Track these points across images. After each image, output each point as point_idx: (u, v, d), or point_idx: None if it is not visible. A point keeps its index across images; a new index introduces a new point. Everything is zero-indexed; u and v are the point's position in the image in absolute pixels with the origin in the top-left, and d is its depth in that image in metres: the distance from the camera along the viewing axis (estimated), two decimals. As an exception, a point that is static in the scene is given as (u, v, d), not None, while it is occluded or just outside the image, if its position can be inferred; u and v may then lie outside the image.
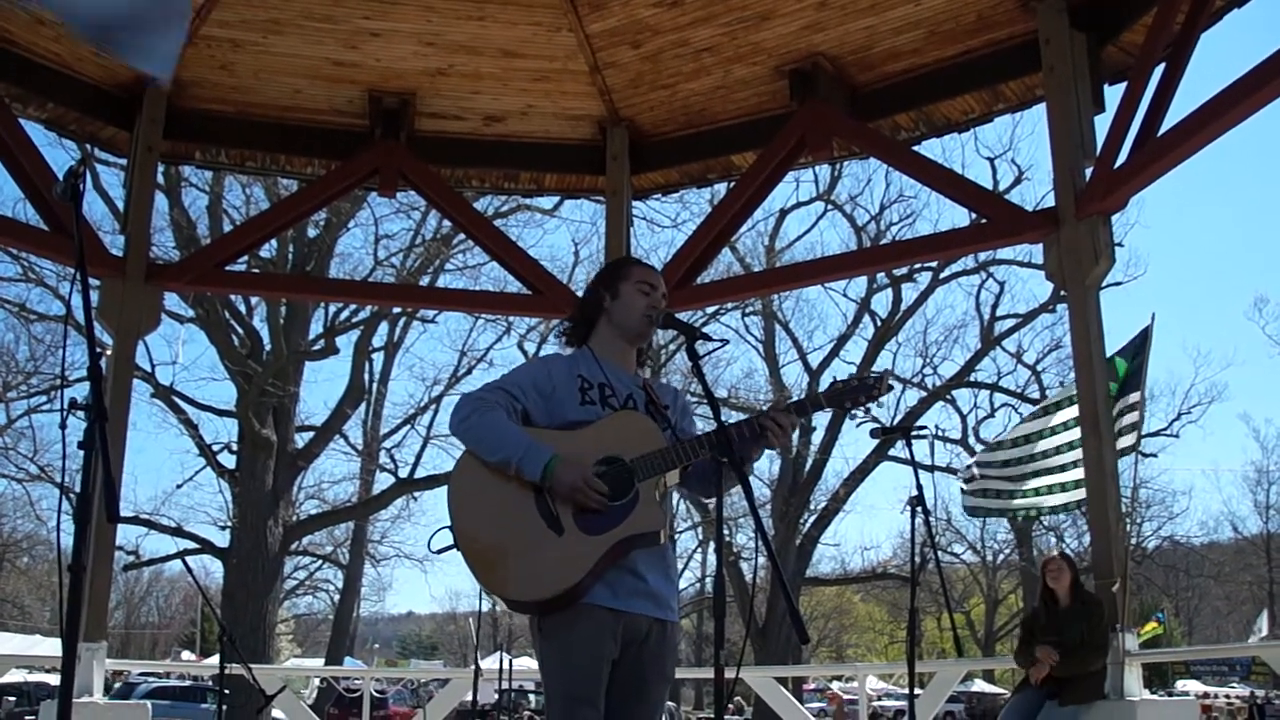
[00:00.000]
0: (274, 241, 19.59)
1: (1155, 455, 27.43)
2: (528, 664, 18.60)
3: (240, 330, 20.96)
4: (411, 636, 59.00)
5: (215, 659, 6.52)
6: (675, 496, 3.24)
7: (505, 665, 7.48)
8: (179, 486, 22.76)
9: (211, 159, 7.83)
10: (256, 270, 19.22)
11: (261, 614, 18.74)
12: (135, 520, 20.80)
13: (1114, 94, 6.14)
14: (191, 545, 20.40)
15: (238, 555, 19.13)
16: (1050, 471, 7.19)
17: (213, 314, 20.08)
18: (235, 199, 20.92)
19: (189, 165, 8.08)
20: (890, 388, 3.11)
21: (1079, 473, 6.68)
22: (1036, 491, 7.23)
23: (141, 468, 72.40)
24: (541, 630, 2.89)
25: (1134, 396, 6.33)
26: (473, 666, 7.52)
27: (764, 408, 23.14)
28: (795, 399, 3.10)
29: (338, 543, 28.33)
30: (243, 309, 21.08)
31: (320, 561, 29.58)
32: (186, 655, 32.83)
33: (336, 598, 29.73)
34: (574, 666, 2.82)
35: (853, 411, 3.12)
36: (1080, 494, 6.71)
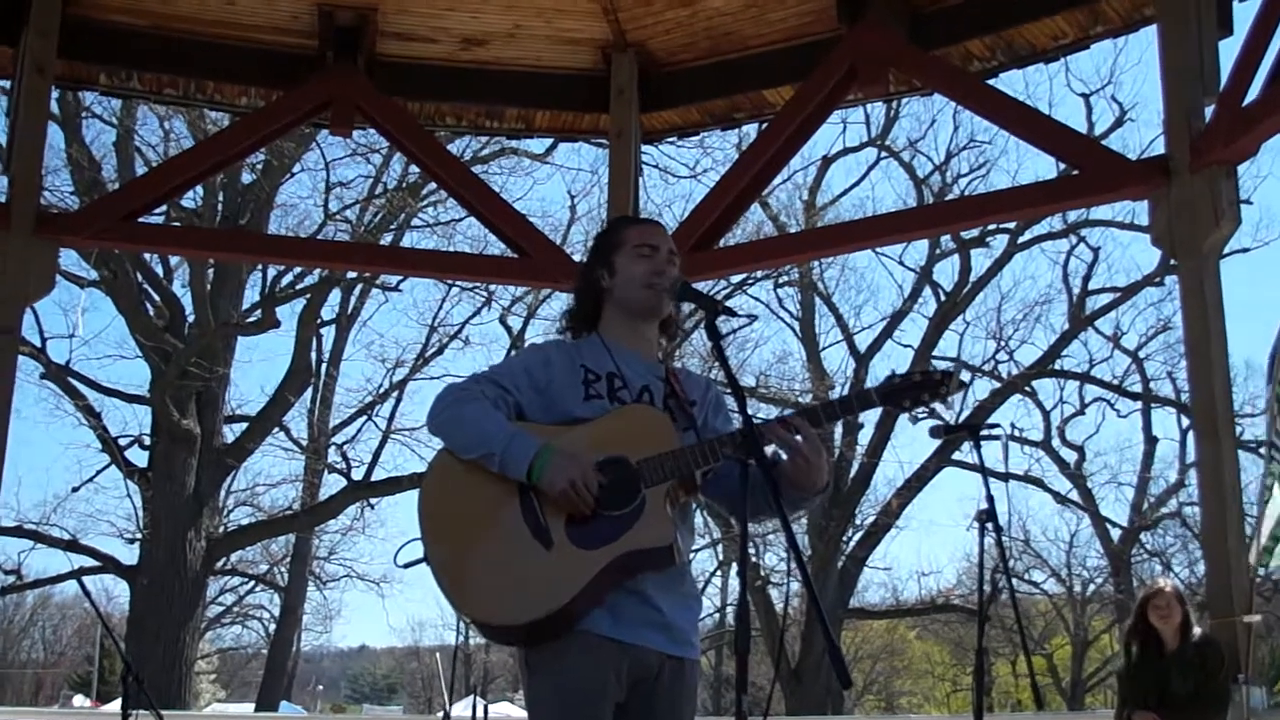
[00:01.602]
0: (199, 188, 19.58)
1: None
2: (506, 711, 18.71)
3: (156, 297, 21.02)
4: (365, 676, 59.18)
5: (117, 705, 6.56)
6: (694, 508, 3.26)
7: (479, 712, 7.52)
8: (75, 489, 22.60)
9: (120, 84, 7.83)
10: (177, 223, 19.23)
11: (177, 648, 18.83)
12: (16, 531, 20.88)
13: (1245, 12, 6.12)
14: (90, 562, 20.48)
15: (149, 575, 19.21)
16: None
17: (121, 276, 20.10)
18: (150, 135, 20.97)
19: (91, 91, 8.10)
20: (962, 385, 3.13)
21: None
22: None
23: (27, 465, 72.06)
24: (529, 665, 2.94)
25: None
26: (440, 713, 7.55)
27: (806, 402, 23.04)
28: (841, 396, 3.12)
29: (275, 560, 28.39)
30: (159, 271, 21.14)
31: (253, 583, 29.67)
32: (79, 700, 32.90)
33: (272, 628, 29.85)
34: (569, 708, 2.86)
35: (913, 413, 3.13)
36: None
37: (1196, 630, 5.84)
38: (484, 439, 2.95)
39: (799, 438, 2.99)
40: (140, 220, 7.75)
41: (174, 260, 21.03)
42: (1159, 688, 5.70)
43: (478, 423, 2.99)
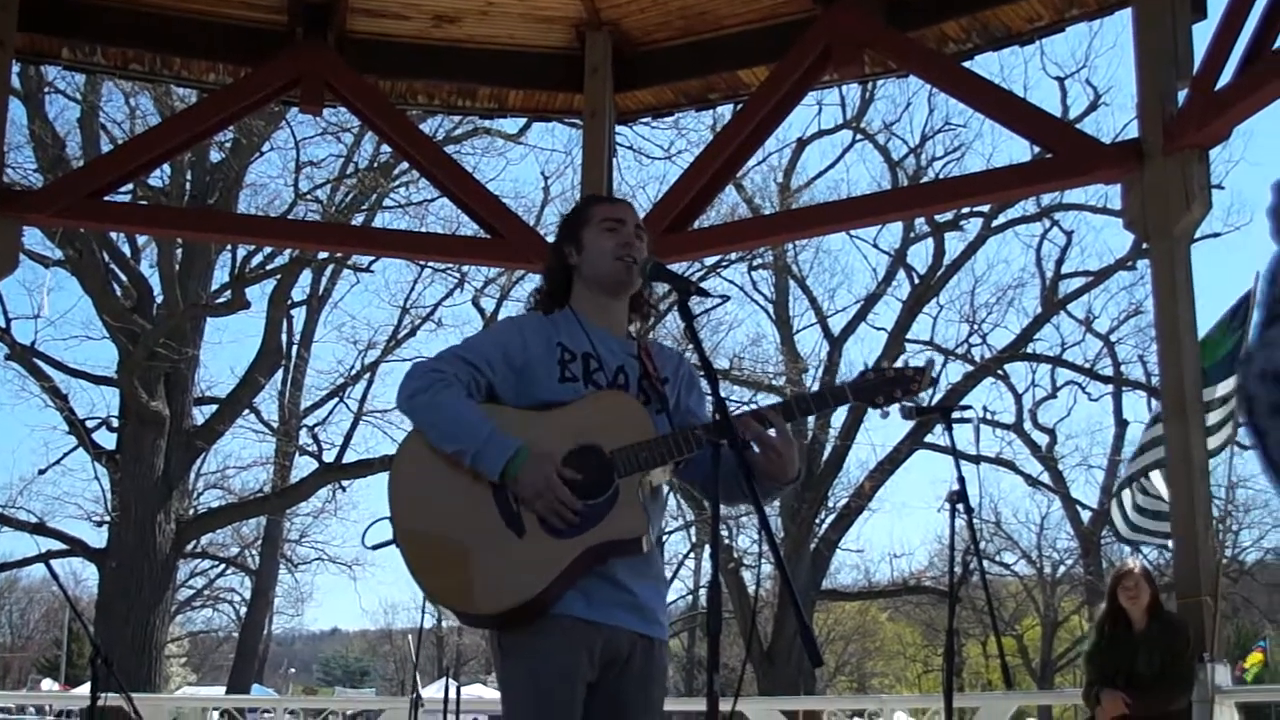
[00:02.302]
0: (166, 166, 19.42)
1: (1257, 448, 27.52)
2: (479, 693, 18.72)
3: (124, 277, 20.83)
4: (336, 659, 59.16)
5: (86, 688, 6.53)
6: (666, 491, 3.28)
7: (452, 694, 7.52)
8: (42, 472, 22.38)
9: (84, 59, 7.75)
10: (144, 202, 19.05)
11: (147, 631, 18.73)
12: (-17, 515, 20.69)
13: (1218, -3, 6.14)
14: (57, 545, 20.31)
15: (118, 558, 19.09)
16: None
17: (87, 256, 19.88)
18: (116, 111, 20.73)
19: (54, 66, 8.03)
20: (934, 381, 3.17)
21: None
22: None
23: (-8, 448, 71.99)
24: (502, 647, 2.97)
25: (1231, 382, 6.37)
26: (411, 695, 7.56)
27: (783, 388, 22.94)
28: (815, 391, 3.16)
29: (245, 543, 28.33)
30: (126, 251, 20.94)
31: (223, 566, 29.58)
32: (48, 684, 32.76)
33: (243, 611, 29.79)
34: (542, 690, 2.89)
35: (884, 410, 3.17)
36: None
37: (1165, 610, 5.90)
38: (458, 434, 2.94)
39: (771, 431, 3.01)
40: (106, 198, 7.69)
41: (141, 240, 20.79)
42: (1126, 667, 5.75)
43: (451, 415, 2.97)
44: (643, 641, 3.01)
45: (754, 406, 3.11)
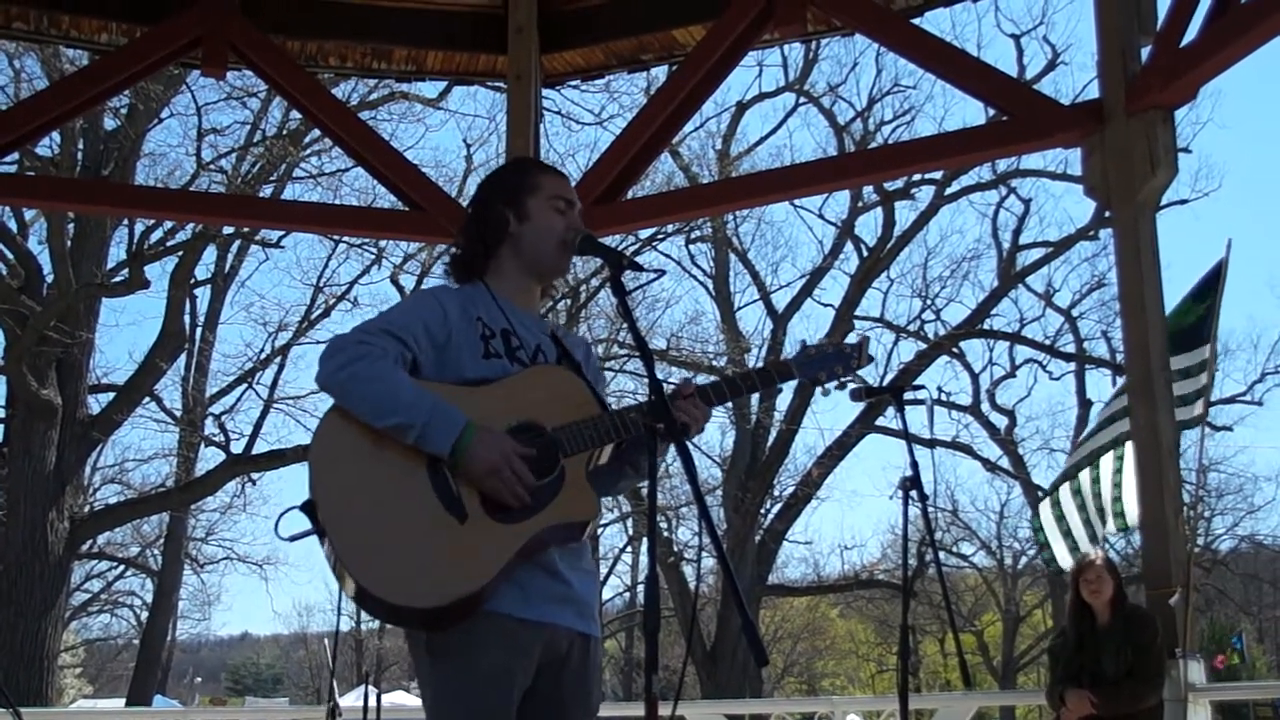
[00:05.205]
0: (56, 134, 19.16)
1: (1230, 429, 27.87)
2: (401, 700, 18.68)
3: (9, 255, 20.54)
4: (247, 666, 58.85)
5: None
6: None
7: (372, 703, 7.48)
8: (-82, 467, 22.26)
9: (-39, 17, 7.62)
10: (31, 172, 18.78)
11: (38, 639, 18.52)
12: None
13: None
14: (-62, 547, 20.05)
15: (5, 560, 18.86)
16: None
17: (-32, 232, 19.66)
18: (-2, 74, 20.40)
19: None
20: (872, 359, 3.21)
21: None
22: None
23: None
24: (430, 649, 2.89)
25: (1203, 352, 6.47)
26: (329, 705, 7.52)
27: (725, 369, 23.04)
28: (757, 368, 3.16)
29: (146, 542, 28.08)
30: (13, 226, 20.65)
31: (122, 567, 29.28)
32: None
33: (144, 616, 29.48)
34: (474, 698, 2.84)
35: (825, 386, 3.19)
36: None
37: (1132, 604, 5.96)
38: (398, 407, 2.87)
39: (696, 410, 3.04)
40: (-12, 169, 7.56)
41: (29, 214, 20.60)
42: (1091, 665, 5.80)
43: (388, 388, 2.89)
44: (580, 640, 3.00)
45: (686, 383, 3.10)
